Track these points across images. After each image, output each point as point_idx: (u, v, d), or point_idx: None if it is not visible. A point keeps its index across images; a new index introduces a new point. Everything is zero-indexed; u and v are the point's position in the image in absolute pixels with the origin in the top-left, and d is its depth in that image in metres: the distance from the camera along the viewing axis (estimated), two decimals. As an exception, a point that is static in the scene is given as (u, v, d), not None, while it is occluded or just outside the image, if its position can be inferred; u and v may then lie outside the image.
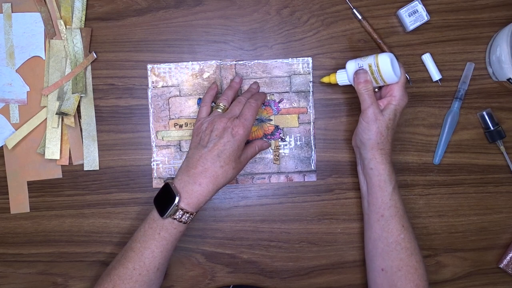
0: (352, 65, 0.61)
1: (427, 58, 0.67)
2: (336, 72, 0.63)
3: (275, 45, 0.68)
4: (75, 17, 0.67)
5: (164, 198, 0.57)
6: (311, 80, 0.68)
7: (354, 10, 0.67)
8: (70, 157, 0.67)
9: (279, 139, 0.68)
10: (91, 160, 0.67)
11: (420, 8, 0.65)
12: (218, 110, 0.62)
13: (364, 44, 0.68)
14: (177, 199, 0.56)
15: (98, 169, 0.67)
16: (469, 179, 0.68)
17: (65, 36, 0.67)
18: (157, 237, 0.57)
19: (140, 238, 0.58)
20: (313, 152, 0.68)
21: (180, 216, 0.56)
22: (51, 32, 0.67)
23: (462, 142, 0.68)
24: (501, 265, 0.67)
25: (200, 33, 0.68)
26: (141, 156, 0.68)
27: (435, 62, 0.67)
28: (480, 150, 0.68)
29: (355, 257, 0.68)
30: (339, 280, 0.68)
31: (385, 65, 0.58)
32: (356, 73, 0.60)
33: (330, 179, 0.68)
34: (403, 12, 0.66)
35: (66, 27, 0.67)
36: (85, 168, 0.67)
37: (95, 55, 0.67)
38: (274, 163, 0.68)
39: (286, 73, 0.68)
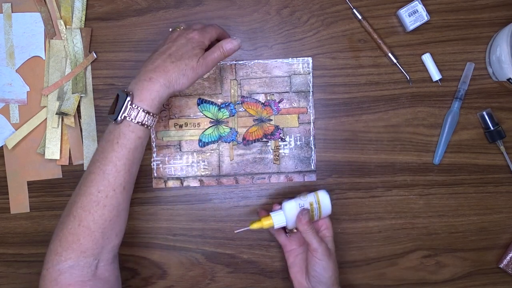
0: (292, 205, 0.60)
1: (427, 58, 0.67)
2: (268, 215, 0.60)
3: (275, 45, 0.68)
4: (75, 17, 0.67)
5: (116, 103, 0.53)
6: (311, 80, 0.68)
7: (354, 10, 0.67)
8: (70, 157, 0.67)
9: (279, 139, 0.68)
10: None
11: (420, 8, 0.65)
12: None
13: (364, 44, 0.68)
14: (128, 98, 0.52)
15: (98, 169, 0.67)
16: (469, 179, 0.68)
17: (65, 36, 0.67)
18: (116, 147, 0.52)
19: (98, 156, 0.53)
20: (313, 152, 0.68)
21: (135, 115, 0.52)
22: (51, 32, 0.67)
23: (462, 142, 0.68)
24: (501, 265, 0.67)
25: (200, 33, 0.68)
26: (141, 156, 0.68)
27: (435, 62, 0.67)
28: (480, 150, 0.68)
29: (355, 257, 0.68)
30: (339, 280, 0.68)
31: (326, 201, 0.60)
32: (302, 214, 0.59)
33: (330, 179, 0.68)
34: (403, 12, 0.66)
35: (66, 27, 0.67)
36: (85, 168, 0.67)
37: (95, 55, 0.67)
38: (274, 163, 0.68)
39: (286, 73, 0.68)
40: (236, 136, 0.68)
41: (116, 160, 0.52)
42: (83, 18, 0.67)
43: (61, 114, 0.66)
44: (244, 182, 0.68)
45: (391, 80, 0.68)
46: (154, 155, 0.68)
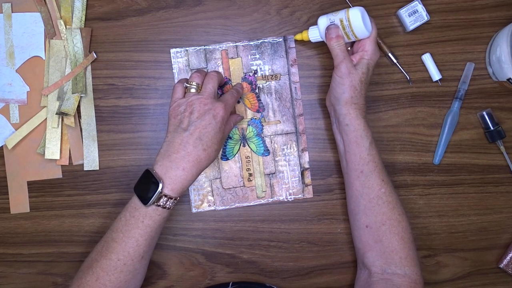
0: (323, 21, 0.60)
1: (427, 58, 0.67)
2: (308, 29, 0.63)
3: (275, 45, 0.68)
4: (75, 17, 0.67)
5: (146, 185, 0.55)
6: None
7: (354, 10, 0.67)
8: (70, 157, 0.67)
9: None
10: (91, 160, 0.67)
11: (420, 8, 0.65)
12: (192, 90, 0.59)
13: (364, 44, 0.68)
14: (160, 185, 0.54)
15: (98, 169, 0.67)
16: (469, 179, 0.68)
17: (65, 36, 0.67)
18: (141, 226, 0.55)
19: (122, 227, 0.56)
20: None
21: (164, 202, 0.55)
22: (51, 32, 0.67)
23: (462, 142, 0.68)
24: (501, 265, 0.67)
25: (200, 33, 0.68)
26: (141, 156, 0.68)
27: (435, 62, 0.67)
28: (480, 150, 0.68)
29: (355, 257, 0.68)
30: (339, 280, 0.68)
31: (356, 20, 0.58)
32: (328, 28, 0.59)
33: (330, 179, 0.68)
34: (403, 12, 0.66)
35: (66, 27, 0.67)
36: (85, 168, 0.67)
37: (95, 55, 0.67)
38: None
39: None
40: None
41: (139, 236, 0.55)
42: (83, 18, 0.67)
43: (61, 114, 0.66)
44: (244, 182, 0.68)
45: (391, 80, 0.68)
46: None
